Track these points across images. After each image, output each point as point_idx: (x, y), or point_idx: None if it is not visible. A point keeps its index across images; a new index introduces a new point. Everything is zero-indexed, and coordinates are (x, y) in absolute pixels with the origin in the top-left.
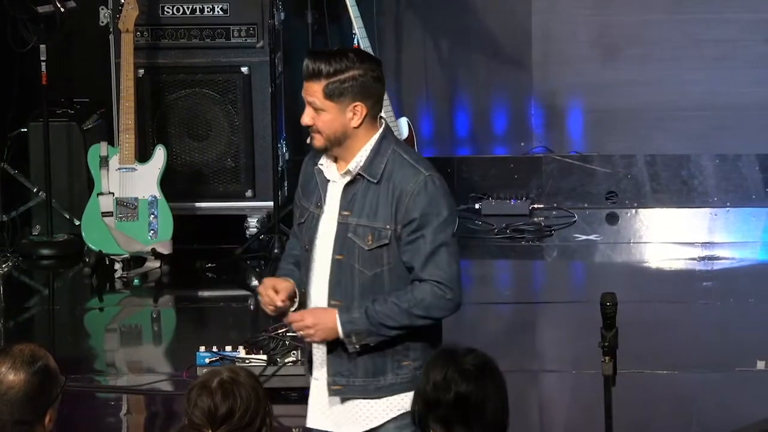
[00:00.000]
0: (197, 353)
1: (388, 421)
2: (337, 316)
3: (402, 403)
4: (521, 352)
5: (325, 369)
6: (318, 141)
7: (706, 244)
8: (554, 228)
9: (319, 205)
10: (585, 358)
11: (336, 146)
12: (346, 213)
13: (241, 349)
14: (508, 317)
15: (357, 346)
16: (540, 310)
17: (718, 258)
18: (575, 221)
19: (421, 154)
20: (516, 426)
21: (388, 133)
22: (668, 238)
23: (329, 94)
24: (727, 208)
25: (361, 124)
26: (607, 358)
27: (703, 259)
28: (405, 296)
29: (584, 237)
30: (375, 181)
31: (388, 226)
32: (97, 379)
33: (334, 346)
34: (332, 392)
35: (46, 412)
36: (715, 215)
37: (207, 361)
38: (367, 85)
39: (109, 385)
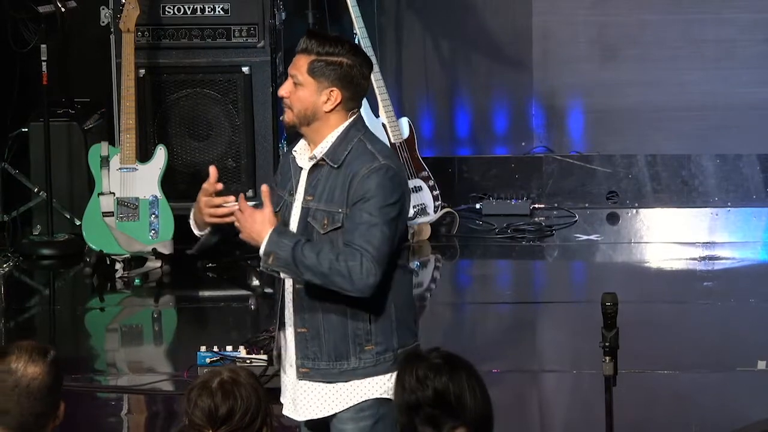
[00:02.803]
0: (198, 353)
1: (347, 409)
2: (269, 232)
3: (364, 389)
4: (522, 352)
5: (294, 355)
6: (288, 116)
7: (706, 244)
8: (555, 228)
9: (292, 193)
10: (585, 358)
11: (304, 125)
12: (309, 198)
13: (241, 348)
14: (509, 317)
15: (269, 269)
16: (540, 310)
17: (718, 258)
18: (576, 221)
19: (388, 147)
20: (516, 426)
21: (358, 122)
22: (669, 238)
23: (311, 70)
24: (728, 208)
25: (332, 111)
26: (607, 358)
27: (703, 259)
28: (337, 249)
29: (585, 237)
30: (336, 166)
31: (340, 210)
32: (97, 379)
33: (302, 329)
34: (300, 375)
35: (59, 403)
36: (716, 215)
37: (208, 361)
38: (351, 76)
39: (109, 385)
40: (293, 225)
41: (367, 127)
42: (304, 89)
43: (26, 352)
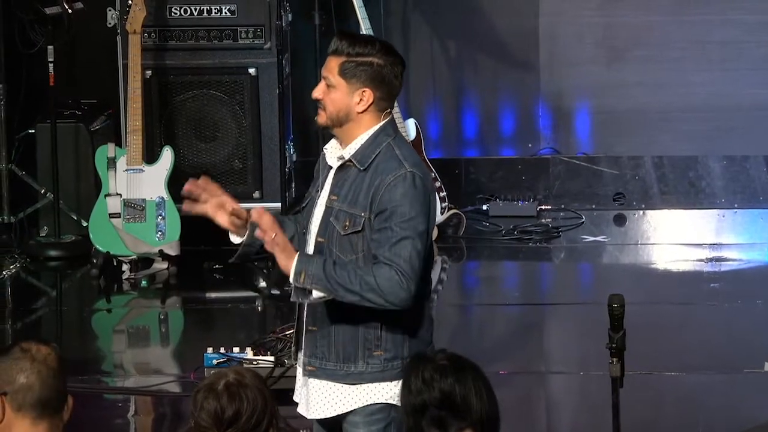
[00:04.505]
0: (205, 354)
1: (356, 411)
2: (298, 253)
3: (369, 394)
4: (528, 353)
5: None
6: (321, 117)
7: (713, 246)
8: (562, 229)
9: (318, 190)
10: (592, 360)
11: (337, 126)
12: (333, 197)
13: (248, 350)
14: (516, 319)
15: (300, 289)
16: (547, 312)
17: (725, 259)
18: (583, 222)
19: (415, 154)
20: (523, 428)
21: (389, 126)
22: (676, 239)
23: (343, 72)
24: (735, 210)
25: (365, 111)
26: (614, 359)
27: (710, 260)
28: (365, 267)
29: (592, 238)
30: (362, 168)
31: (363, 214)
32: (104, 381)
33: (312, 328)
34: (306, 372)
35: (67, 392)
36: (723, 216)
37: (214, 362)
38: (382, 75)
39: (116, 386)
40: (315, 221)
41: (398, 131)
42: (336, 91)
43: (26, 341)
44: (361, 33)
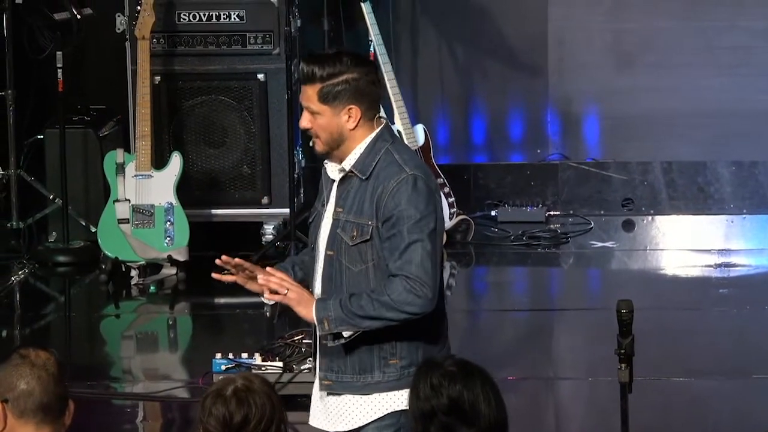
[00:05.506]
0: (213, 360)
1: (371, 422)
2: (315, 302)
3: (388, 402)
4: (537, 359)
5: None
6: (318, 146)
7: (722, 251)
8: (570, 235)
9: (323, 204)
10: (601, 365)
11: (335, 149)
12: (339, 209)
13: (257, 356)
14: (524, 324)
15: (330, 334)
16: (556, 317)
17: (734, 265)
18: (591, 228)
19: (416, 156)
20: None
21: (384, 132)
22: (684, 245)
23: (323, 98)
24: (744, 215)
25: (356, 127)
26: (623, 365)
27: (719, 266)
28: (379, 289)
29: (600, 244)
30: (364, 177)
31: (370, 222)
32: (113, 386)
33: (327, 342)
34: (323, 387)
35: (68, 396)
36: (732, 222)
37: (223, 368)
38: (361, 88)
39: (125, 392)
40: (323, 235)
41: (395, 136)
42: (322, 117)
43: (25, 347)
44: (327, 50)
